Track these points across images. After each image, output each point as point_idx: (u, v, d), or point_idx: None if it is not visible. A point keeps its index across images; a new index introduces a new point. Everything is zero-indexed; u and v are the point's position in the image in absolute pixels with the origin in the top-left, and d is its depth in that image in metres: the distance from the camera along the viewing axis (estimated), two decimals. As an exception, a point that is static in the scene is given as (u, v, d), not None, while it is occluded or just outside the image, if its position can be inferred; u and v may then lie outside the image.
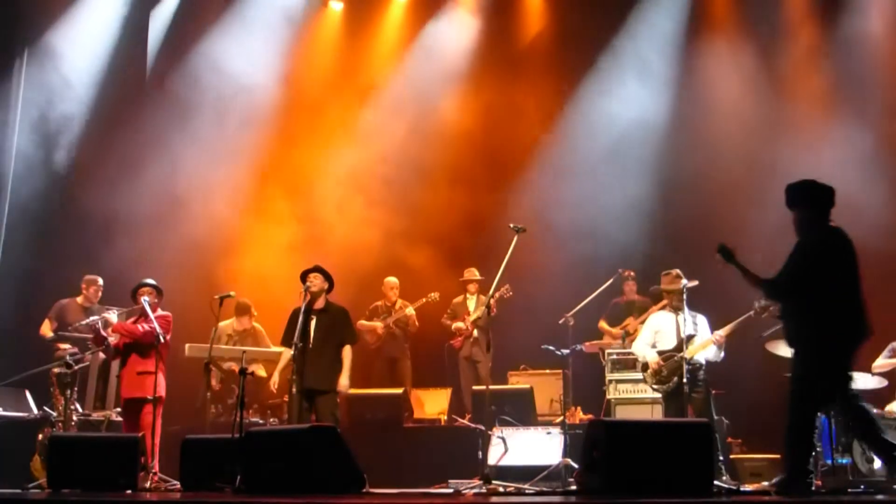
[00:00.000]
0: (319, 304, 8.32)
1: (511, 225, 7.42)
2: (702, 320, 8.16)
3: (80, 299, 9.84)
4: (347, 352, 8.26)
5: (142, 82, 12.16)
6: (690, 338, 7.94)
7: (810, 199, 6.27)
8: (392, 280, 10.87)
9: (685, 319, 7.92)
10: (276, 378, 8.48)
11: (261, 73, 11.86)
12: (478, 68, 12.13)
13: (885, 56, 10.83)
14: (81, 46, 11.57)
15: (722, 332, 7.98)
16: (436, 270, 11.07)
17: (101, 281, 9.90)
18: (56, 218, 11.23)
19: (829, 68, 11.00)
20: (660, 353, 8.15)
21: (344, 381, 8.21)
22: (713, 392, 8.71)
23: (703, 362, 8.04)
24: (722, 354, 8.06)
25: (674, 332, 8.12)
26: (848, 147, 10.14)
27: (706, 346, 7.98)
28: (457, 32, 12.28)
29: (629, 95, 11.49)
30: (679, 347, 7.92)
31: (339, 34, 12.57)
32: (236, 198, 11.68)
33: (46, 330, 9.65)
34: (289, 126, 11.94)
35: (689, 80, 11.52)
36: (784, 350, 7.91)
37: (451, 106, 11.94)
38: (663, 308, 8.67)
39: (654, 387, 8.23)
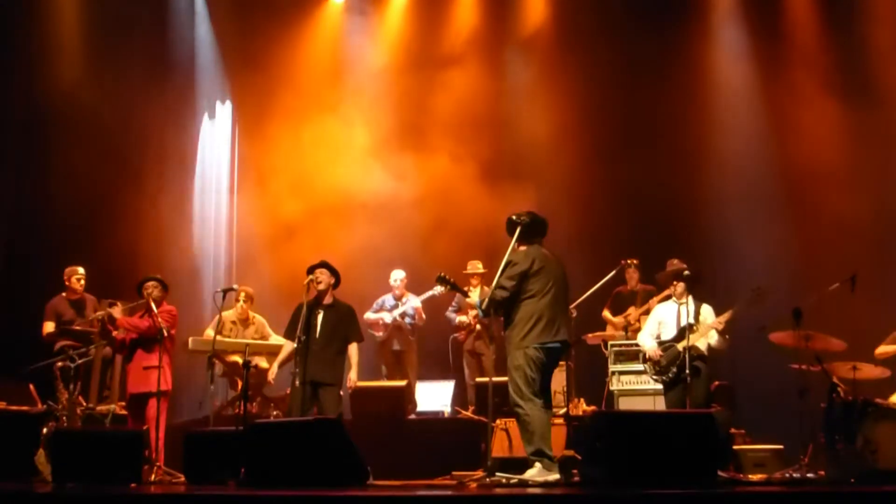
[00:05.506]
0: (327, 299, 8.31)
1: (513, 216, 7.24)
2: (706, 309, 8.12)
3: (65, 293, 9.72)
4: (354, 349, 8.32)
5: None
6: (690, 327, 7.93)
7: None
8: (399, 273, 10.83)
9: (687, 309, 7.94)
10: (274, 369, 8.49)
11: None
12: (488, 56, 12.09)
13: None
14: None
15: (722, 318, 7.95)
16: (446, 262, 11.00)
17: (81, 270, 9.77)
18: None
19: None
20: (661, 343, 8.15)
21: (353, 375, 8.33)
22: (716, 383, 8.73)
23: (704, 350, 8.02)
24: (724, 340, 8.02)
25: (675, 322, 8.12)
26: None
27: (706, 332, 7.97)
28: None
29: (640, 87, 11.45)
30: (679, 337, 7.93)
31: (340, 24, 12.56)
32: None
33: (49, 328, 9.61)
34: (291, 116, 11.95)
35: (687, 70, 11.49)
36: (787, 339, 7.92)
37: (457, 94, 11.90)
38: (666, 298, 8.65)
39: (654, 377, 8.23)
